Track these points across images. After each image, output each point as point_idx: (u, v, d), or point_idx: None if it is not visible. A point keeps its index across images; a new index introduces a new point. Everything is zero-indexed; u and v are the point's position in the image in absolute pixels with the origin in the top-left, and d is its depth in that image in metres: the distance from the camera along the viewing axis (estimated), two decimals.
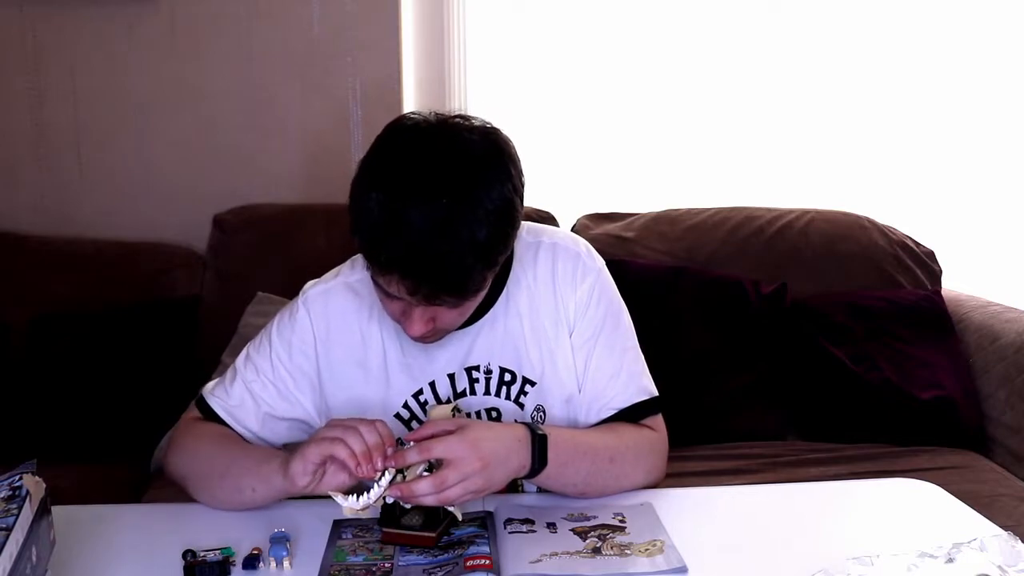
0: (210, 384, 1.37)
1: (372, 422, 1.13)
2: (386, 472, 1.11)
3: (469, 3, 2.48)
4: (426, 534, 1.14)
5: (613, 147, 2.59)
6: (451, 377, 1.31)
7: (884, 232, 2.40)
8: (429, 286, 1.11)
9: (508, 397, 1.32)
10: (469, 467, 1.12)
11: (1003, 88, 2.60)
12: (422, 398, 1.31)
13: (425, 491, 1.10)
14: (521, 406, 1.32)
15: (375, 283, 1.18)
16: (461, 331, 1.29)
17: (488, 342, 1.31)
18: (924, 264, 2.38)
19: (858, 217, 2.43)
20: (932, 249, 2.42)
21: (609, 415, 1.34)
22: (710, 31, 2.55)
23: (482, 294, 1.21)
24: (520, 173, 1.18)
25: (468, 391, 1.31)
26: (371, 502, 1.10)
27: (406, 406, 1.32)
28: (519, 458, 1.19)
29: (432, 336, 1.23)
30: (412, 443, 1.14)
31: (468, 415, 1.30)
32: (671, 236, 2.37)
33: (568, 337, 1.33)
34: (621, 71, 2.55)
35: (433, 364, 1.31)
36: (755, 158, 2.60)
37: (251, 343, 1.37)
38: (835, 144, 2.60)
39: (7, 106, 2.44)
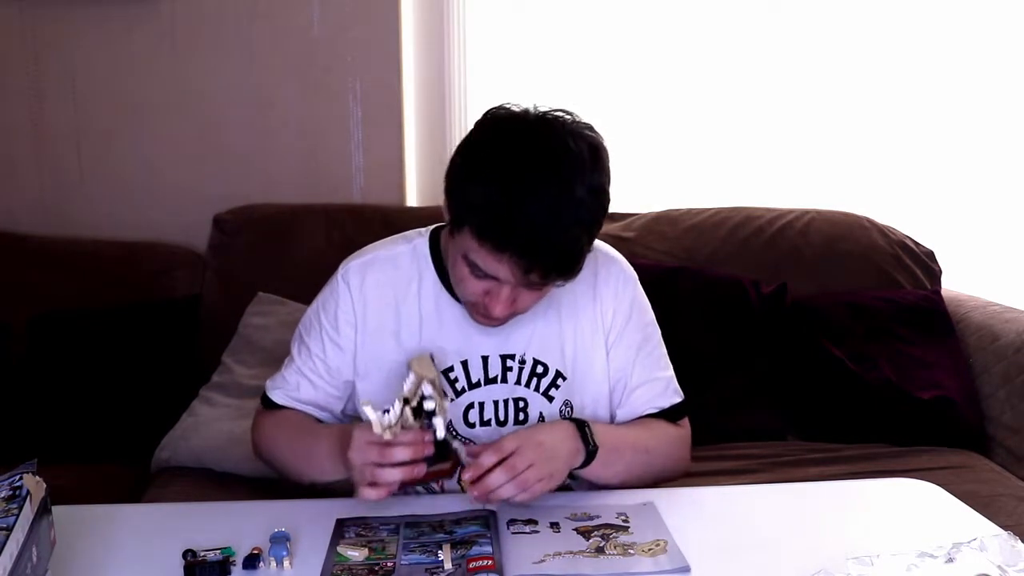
0: (269, 381, 1.43)
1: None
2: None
3: (469, 3, 2.48)
4: (441, 467, 1.17)
5: (613, 147, 2.54)
6: (484, 360, 1.35)
7: (884, 232, 2.40)
8: (544, 268, 1.18)
9: (537, 389, 1.37)
10: (533, 453, 1.19)
11: (1003, 89, 2.60)
12: (452, 375, 1.35)
13: (500, 480, 1.17)
14: (550, 399, 1.37)
15: (468, 262, 1.21)
16: None
17: (527, 333, 1.36)
18: (924, 264, 2.38)
19: (858, 217, 2.43)
20: (932, 249, 2.42)
21: (651, 413, 1.43)
22: (710, 31, 2.54)
23: None
24: (609, 166, 1.27)
25: (500, 378, 1.35)
26: (393, 422, 1.12)
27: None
28: (572, 443, 1.27)
29: (507, 319, 1.28)
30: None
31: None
32: (671, 236, 2.37)
33: (604, 339, 1.39)
34: (621, 71, 2.54)
35: (469, 344, 1.35)
36: (755, 158, 2.60)
37: (301, 325, 1.43)
38: (835, 144, 2.60)
39: (7, 106, 2.43)
